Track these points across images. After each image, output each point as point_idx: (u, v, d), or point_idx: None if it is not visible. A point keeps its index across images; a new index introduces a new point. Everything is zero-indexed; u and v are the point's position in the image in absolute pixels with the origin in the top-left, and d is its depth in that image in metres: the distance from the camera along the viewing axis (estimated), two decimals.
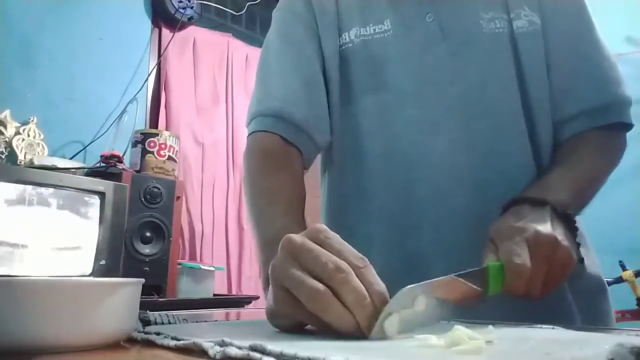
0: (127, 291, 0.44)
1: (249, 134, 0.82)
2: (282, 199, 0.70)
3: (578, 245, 0.63)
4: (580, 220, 0.82)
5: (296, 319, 0.48)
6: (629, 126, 0.78)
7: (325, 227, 0.49)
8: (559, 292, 0.72)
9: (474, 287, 0.52)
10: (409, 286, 0.45)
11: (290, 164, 0.77)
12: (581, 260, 0.62)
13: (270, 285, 0.49)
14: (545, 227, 0.59)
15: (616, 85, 0.77)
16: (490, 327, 0.47)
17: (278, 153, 0.78)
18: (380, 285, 0.45)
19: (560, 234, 0.59)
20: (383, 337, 0.44)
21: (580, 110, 0.76)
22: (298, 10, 0.86)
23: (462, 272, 0.51)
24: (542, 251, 0.57)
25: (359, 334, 0.44)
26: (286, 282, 0.46)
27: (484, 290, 0.53)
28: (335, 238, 0.48)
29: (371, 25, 0.82)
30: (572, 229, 0.63)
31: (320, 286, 0.44)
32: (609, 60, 0.78)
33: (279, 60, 0.84)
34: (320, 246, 0.46)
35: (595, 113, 0.76)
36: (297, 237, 0.47)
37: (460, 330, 0.39)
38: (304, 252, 0.46)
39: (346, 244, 0.47)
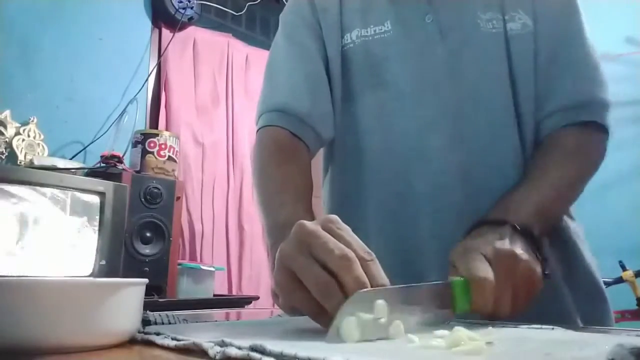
0: (131, 292, 0.44)
1: (258, 129, 0.85)
2: (292, 187, 0.73)
3: (543, 260, 0.63)
4: (580, 222, 0.82)
5: (293, 303, 0.49)
6: (607, 130, 0.77)
7: (337, 218, 0.50)
8: (558, 295, 0.73)
9: (441, 301, 0.52)
10: (363, 290, 0.45)
11: (299, 156, 0.80)
12: (546, 274, 0.62)
13: (275, 267, 0.50)
14: (502, 243, 0.59)
15: (596, 86, 0.78)
16: (490, 327, 0.47)
17: (287, 145, 0.80)
18: (384, 280, 0.47)
19: (519, 249, 0.60)
20: (339, 341, 0.42)
21: (557, 107, 0.77)
22: (304, 14, 0.90)
23: (425, 283, 0.52)
24: (503, 266, 0.57)
25: None
26: (294, 266, 0.47)
27: (452, 307, 0.53)
28: (346, 230, 0.49)
29: (372, 26, 0.84)
30: (536, 246, 0.63)
31: (326, 274, 0.45)
32: (593, 63, 0.79)
33: (284, 59, 0.88)
34: (331, 236, 0.48)
35: (570, 110, 0.77)
36: (310, 224, 0.49)
37: (461, 331, 0.39)
38: (314, 239, 0.47)
39: (356, 236, 0.49)
